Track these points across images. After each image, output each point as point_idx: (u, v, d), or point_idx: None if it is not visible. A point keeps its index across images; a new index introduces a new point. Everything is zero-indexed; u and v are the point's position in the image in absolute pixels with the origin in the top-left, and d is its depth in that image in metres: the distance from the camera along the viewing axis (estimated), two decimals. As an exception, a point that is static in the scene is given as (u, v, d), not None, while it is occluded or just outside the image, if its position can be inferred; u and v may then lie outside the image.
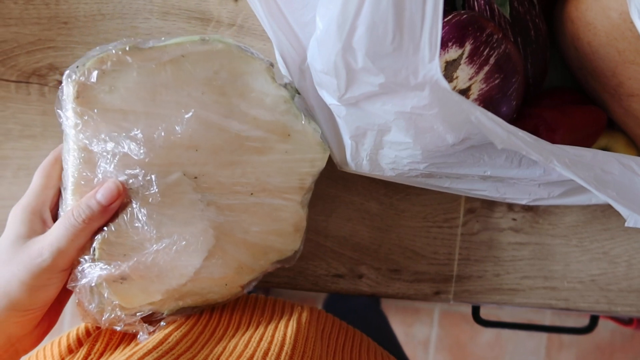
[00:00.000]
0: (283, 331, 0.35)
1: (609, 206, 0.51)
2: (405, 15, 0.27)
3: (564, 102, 0.44)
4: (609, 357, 1.47)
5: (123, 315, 0.34)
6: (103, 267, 0.33)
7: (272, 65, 0.37)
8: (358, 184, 0.48)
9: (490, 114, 0.29)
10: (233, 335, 0.36)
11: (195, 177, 0.35)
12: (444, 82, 0.29)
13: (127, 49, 0.34)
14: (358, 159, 0.38)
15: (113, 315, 0.34)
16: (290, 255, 0.39)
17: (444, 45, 0.35)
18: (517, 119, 0.40)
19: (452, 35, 0.35)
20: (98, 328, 0.37)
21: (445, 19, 0.36)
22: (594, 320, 0.58)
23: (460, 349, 1.43)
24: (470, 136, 0.32)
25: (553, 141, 0.39)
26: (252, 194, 0.37)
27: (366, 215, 0.48)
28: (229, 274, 0.37)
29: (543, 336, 1.44)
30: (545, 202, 0.43)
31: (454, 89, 0.35)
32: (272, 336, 0.35)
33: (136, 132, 0.34)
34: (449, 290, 0.49)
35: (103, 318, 0.34)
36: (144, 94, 0.34)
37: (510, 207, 0.49)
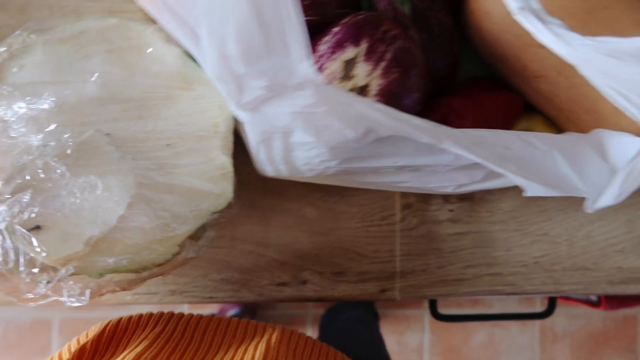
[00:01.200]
0: (252, 353, 0.36)
1: (544, 188, 0.52)
2: (267, 21, 0.28)
3: (481, 90, 0.45)
4: (604, 345, 1.47)
5: (45, 280, 0.34)
6: (11, 204, 0.33)
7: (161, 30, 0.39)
8: (292, 191, 0.48)
9: (376, 104, 0.30)
10: (203, 358, 0.37)
11: (108, 134, 0.38)
12: (319, 79, 0.30)
13: (33, 31, 0.38)
14: (274, 164, 0.39)
15: (36, 276, 0.34)
16: (225, 206, 0.40)
17: (341, 46, 0.36)
18: (428, 110, 0.41)
19: (348, 36, 0.36)
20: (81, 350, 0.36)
21: (343, 21, 0.38)
22: (552, 304, 0.59)
23: (455, 353, 1.42)
24: (371, 129, 0.33)
25: (462, 126, 0.40)
26: (167, 144, 0.39)
27: (304, 221, 0.48)
28: (161, 224, 0.37)
29: (535, 330, 1.44)
30: (470, 187, 0.44)
31: (353, 86, 0.36)
32: (241, 359, 0.35)
33: (47, 98, 0.37)
34: (394, 286, 0.49)
35: (23, 278, 0.34)
36: (50, 67, 0.38)
37: (446, 198, 0.50)
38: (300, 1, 0.40)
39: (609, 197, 0.32)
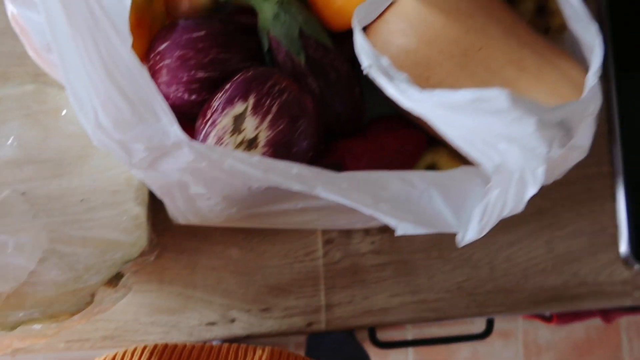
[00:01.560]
0: None
1: (462, 215, 0.54)
2: (129, 95, 0.31)
3: (386, 129, 0.48)
4: (589, 354, 1.47)
5: None
6: None
7: None
8: (217, 234, 0.51)
9: (246, 156, 0.33)
10: None
11: (24, 193, 0.41)
12: (186, 139, 0.33)
13: None
14: (182, 213, 0.41)
15: None
16: (139, 254, 0.42)
17: (231, 102, 0.39)
18: (326, 153, 0.44)
19: (237, 92, 0.39)
20: None
21: (235, 78, 0.40)
22: (490, 324, 0.60)
23: (440, 371, 1.42)
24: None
25: (359, 168, 0.43)
26: (82, 200, 0.41)
27: (229, 261, 0.51)
28: (73, 276, 0.39)
29: (519, 344, 1.45)
30: (378, 221, 0.46)
31: (243, 139, 0.38)
32: None
33: None
34: (321, 320, 0.51)
35: None
36: None
37: (367, 231, 0.52)
38: (201, 58, 0.43)
39: (471, 232, 0.34)
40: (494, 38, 0.41)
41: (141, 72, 0.32)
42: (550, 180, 0.44)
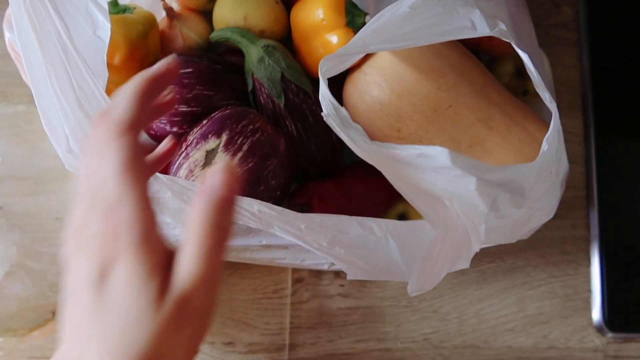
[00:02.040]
0: None
1: (434, 266, 0.54)
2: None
3: (362, 174, 0.49)
4: None
5: None
6: None
7: None
8: (189, 263, 0.51)
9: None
10: None
11: (1, 207, 0.42)
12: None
13: None
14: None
15: None
16: None
17: (205, 137, 0.41)
18: (296, 194, 0.45)
19: (212, 128, 0.41)
20: None
21: (212, 115, 0.42)
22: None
23: None
24: None
25: (326, 210, 0.43)
26: (57, 218, 0.42)
27: (198, 291, 0.51)
28: (37, 292, 0.40)
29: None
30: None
31: (212, 173, 0.40)
32: None
33: None
34: (284, 359, 0.51)
35: None
36: None
37: (338, 274, 0.53)
38: (185, 93, 0.45)
39: (412, 284, 0.35)
40: (464, 97, 0.42)
41: (108, 104, 0.34)
42: (515, 239, 0.44)
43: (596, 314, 0.54)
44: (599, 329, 0.54)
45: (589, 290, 0.54)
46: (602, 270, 0.54)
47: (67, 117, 0.32)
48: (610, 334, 0.53)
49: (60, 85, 0.31)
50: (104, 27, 0.35)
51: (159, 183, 0.35)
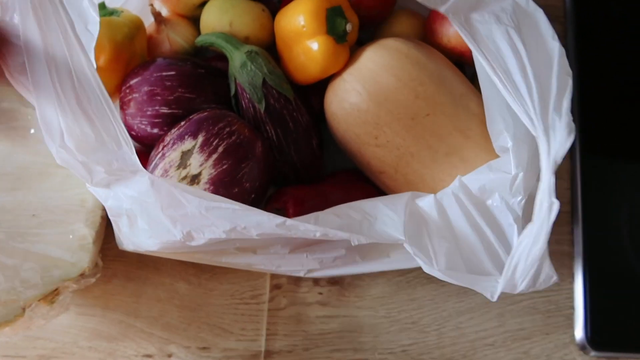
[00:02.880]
0: None
1: (414, 277, 0.54)
2: (95, 122, 0.33)
3: (339, 181, 0.49)
4: None
5: None
6: None
7: None
8: (168, 266, 0.51)
9: (190, 188, 0.35)
10: None
11: None
12: (142, 168, 0.35)
13: None
14: (129, 241, 0.42)
15: None
16: (78, 275, 0.42)
17: (182, 138, 0.41)
18: (274, 198, 0.45)
19: (189, 130, 0.41)
20: None
21: (191, 116, 0.43)
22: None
23: None
24: (192, 235, 0.37)
25: (301, 210, 0.43)
26: (33, 215, 0.43)
27: (176, 295, 0.51)
28: (8, 288, 0.40)
29: None
30: (321, 272, 0.47)
31: (187, 174, 0.40)
32: None
33: None
34: (258, 366, 0.51)
35: None
36: None
37: (316, 281, 0.53)
38: (167, 95, 0.45)
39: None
40: (442, 106, 0.42)
41: (108, 102, 0.35)
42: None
43: (579, 331, 0.53)
44: (582, 347, 0.53)
45: (571, 307, 0.54)
46: (586, 287, 0.54)
47: (64, 112, 0.32)
48: (593, 353, 0.52)
49: (60, 81, 0.32)
50: (94, 21, 0.36)
51: (146, 181, 0.35)
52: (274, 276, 0.52)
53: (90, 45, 0.34)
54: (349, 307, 0.52)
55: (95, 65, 0.37)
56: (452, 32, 0.47)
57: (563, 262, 0.55)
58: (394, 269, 0.47)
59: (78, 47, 0.31)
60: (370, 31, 0.54)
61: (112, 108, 0.34)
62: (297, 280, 0.52)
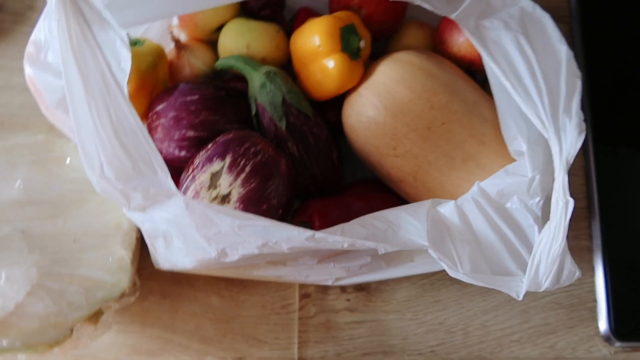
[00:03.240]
0: None
1: (438, 279, 0.56)
2: (132, 152, 0.36)
3: (360, 192, 0.51)
4: None
5: None
6: None
7: None
8: (200, 281, 0.54)
9: (223, 208, 0.37)
10: None
11: (23, 231, 0.45)
12: (179, 192, 0.37)
13: None
14: (165, 260, 0.44)
15: None
16: (120, 295, 0.45)
17: (210, 160, 0.43)
18: (298, 212, 0.47)
19: (216, 152, 0.43)
20: None
21: (217, 139, 0.45)
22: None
23: None
24: (226, 251, 0.39)
25: (326, 226, 0.45)
26: (74, 240, 0.45)
27: (209, 309, 0.53)
28: (56, 311, 0.42)
29: None
30: (349, 280, 0.49)
31: (217, 194, 0.42)
32: None
33: None
34: (292, 373, 0.53)
35: None
36: None
37: (344, 288, 0.54)
38: (192, 119, 0.47)
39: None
40: (456, 114, 0.44)
41: (144, 133, 0.37)
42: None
43: (603, 323, 0.54)
44: (607, 339, 0.54)
45: (594, 300, 0.55)
46: (607, 279, 0.55)
47: (103, 145, 0.35)
48: (618, 344, 0.54)
49: (99, 116, 0.34)
50: (126, 59, 0.38)
51: (181, 204, 0.37)
52: (302, 286, 0.54)
53: (124, 81, 0.36)
54: (376, 311, 0.54)
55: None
56: (462, 41, 0.49)
57: (583, 256, 0.56)
58: (418, 273, 0.49)
59: (115, 85, 0.34)
60: (381, 43, 0.56)
61: (148, 138, 0.36)
62: (324, 289, 0.54)
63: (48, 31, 0.40)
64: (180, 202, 0.38)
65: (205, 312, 0.53)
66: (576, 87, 0.38)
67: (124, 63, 0.35)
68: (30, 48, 0.42)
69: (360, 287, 0.54)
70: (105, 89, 0.34)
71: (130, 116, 0.35)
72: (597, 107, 0.59)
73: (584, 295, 0.55)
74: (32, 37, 0.42)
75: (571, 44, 0.62)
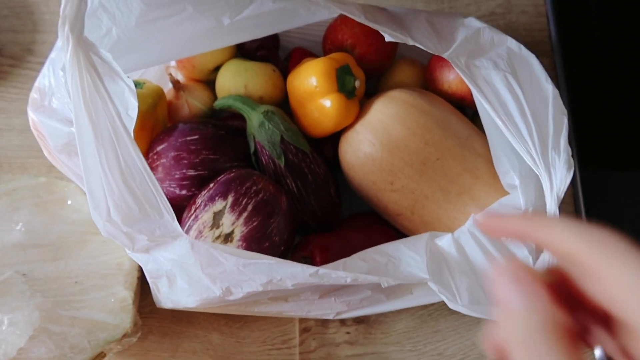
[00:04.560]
0: None
1: (436, 309, 0.56)
2: (139, 196, 0.36)
3: (359, 225, 0.52)
4: None
5: None
6: None
7: None
8: (200, 318, 0.54)
9: (227, 247, 0.37)
10: None
11: (24, 274, 0.45)
12: (184, 234, 0.37)
13: None
14: (167, 300, 0.45)
15: None
16: (122, 336, 0.45)
17: (212, 199, 0.44)
18: (299, 247, 0.48)
19: (219, 191, 0.44)
20: None
21: (218, 178, 0.46)
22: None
23: None
24: (231, 290, 0.40)
25: (327, 260, 0.46)
26: (75, 282, 0.45)
27: (210, 346, 0.53)
28: (59, 355, 0.42)
29: None
30: (349, 314, 0.49)
31: (220, 233, 0.43)
32: None
33: None
34: (295, 408, 0.52)
35: None
36: None
37: (343, 321, 0.55)
38: (192, 158, 0.48)
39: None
40: (450, 149, 0.46)
41: (150, 177, 0.38)
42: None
43: (597, 350, 0.55)
44: (602, 364, 0.55)
45: (588, 326, 0.56)
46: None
47: (111, 190, 0.35)
48: (613, 369, 0.54)
49: (108, 163, 0.35)
50: (134, 107, 0.39)
51: (186, 245, 0.38)
52: (302, 320, 0.54)
53: (131, 128, 0.37)
54: (376, 343, 0.54)
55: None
56: (452, 78, 0.51)
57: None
58: (418, 305, 0.49)
59: (124, 132, 0.35)
60: (374, 80, 0.58)
61: (154, 182, 0.37)
62: (324, 322, 0.55)
63: (54, 78, 0.41)
64: (185, 242, 0.39)
65: (206, 349, 0.53)
66: (563, 124, 0.40)
67: (131, 111, 0.36)
68: (34, 94, 0.43)
69: (360, 320, 0.55)
70: (114, 136, 0.35)
71: (138, 161, 0.36)
72: (580, 133, 0.61)
73: (578, 322, 0.56)
74: (37, 83, 0.43)
75: (554, 75, 0.64)
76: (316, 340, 0.54)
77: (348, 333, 0.55)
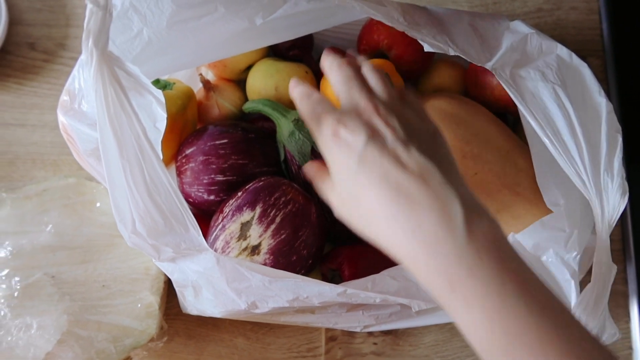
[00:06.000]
0: None
1: (467, 323, 0.54)
2: (164, 210, 0.36)
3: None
4: None
5: None
6: None
7: None
8: (226, 322, 0.53)
9: (252, 264, 0.36)
10: None
11: (53, 276, 0.45)
12: (210, 248, 0.37)
13: (5, 190, 0.47)
14: (198, 308, 0.44)
15: None
16: (147, 341, 0.45)
17: (240, 209, 0.43)
18: (328, 259, 0.46)
19: (246, 201, 0.43)
20: None
21: (246, 187, 0.44)
22: None
23: None
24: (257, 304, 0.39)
25: (356, 272, 0.45)
26: (103, 286, 0.45)
27: (235, 350, 0.53)
28: (85, 359, 0.42)
29: None
30: (377, 327, 0.48)
31: (247, 245, 0.42)
32: None
33: (6, 247, 0.45)
34: (319, 418, 0.52)
35: None
36: (14, 220, 0.47)
37: (371, 332, 0.54)
38: (221, 163, 0.47)
39: None
40: (489, 164, 0.43)
41: (176, 193, 0.37)
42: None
43: (639, 371, 0.53)
44: (643, 388, 0.52)
45: (629, 347, 0.53)
46: (643, 326, 0.53)
47: (136, 204, 0.35)
48: (655, 393, 0.52)
49: (133, 177, 0.34)
50: (162, 119, 0.39)
51: (212, 259, 0.37)
52: (328, 329, 0.53)
53: (158, 141, 0.36)
54: (403, 356, 0.53)
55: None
56: (496, 84, 0.48)
57: (617, 301, 0.54)
58: (448, 321, 0.48)
59: (149, 149, 0.34)
60: (412, 82, 0.55)
61: (180, 197, 0.36)
62: (351, 332, 0.53)
63: (82, 81, 0.40)
64: (211, 256, 0.38)
65: (232, 353, 0.53)
66: (617, 143, 0.37)
67: (159, 123, 0.35)
68: (64, 97, 0.43)
69: (388, 331, 0.53)
70: (139, 152, 0.34)
71: (164, 177, 0.35)
72: (630, 144, 0.57)
73: (618, 343, 0.53)
74: (67, 86, 0.43)
75: (604, 77, 0.60)
76: (342, 349, 0.53)
77: (375, 344, 0.53)
